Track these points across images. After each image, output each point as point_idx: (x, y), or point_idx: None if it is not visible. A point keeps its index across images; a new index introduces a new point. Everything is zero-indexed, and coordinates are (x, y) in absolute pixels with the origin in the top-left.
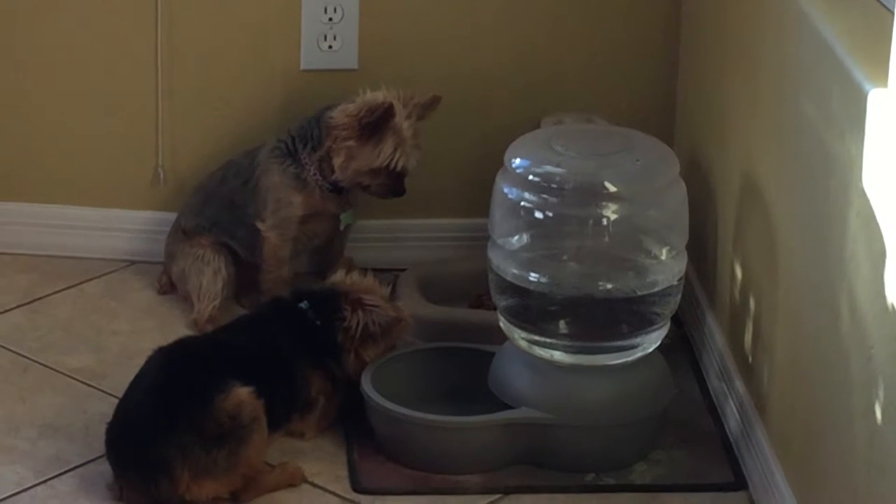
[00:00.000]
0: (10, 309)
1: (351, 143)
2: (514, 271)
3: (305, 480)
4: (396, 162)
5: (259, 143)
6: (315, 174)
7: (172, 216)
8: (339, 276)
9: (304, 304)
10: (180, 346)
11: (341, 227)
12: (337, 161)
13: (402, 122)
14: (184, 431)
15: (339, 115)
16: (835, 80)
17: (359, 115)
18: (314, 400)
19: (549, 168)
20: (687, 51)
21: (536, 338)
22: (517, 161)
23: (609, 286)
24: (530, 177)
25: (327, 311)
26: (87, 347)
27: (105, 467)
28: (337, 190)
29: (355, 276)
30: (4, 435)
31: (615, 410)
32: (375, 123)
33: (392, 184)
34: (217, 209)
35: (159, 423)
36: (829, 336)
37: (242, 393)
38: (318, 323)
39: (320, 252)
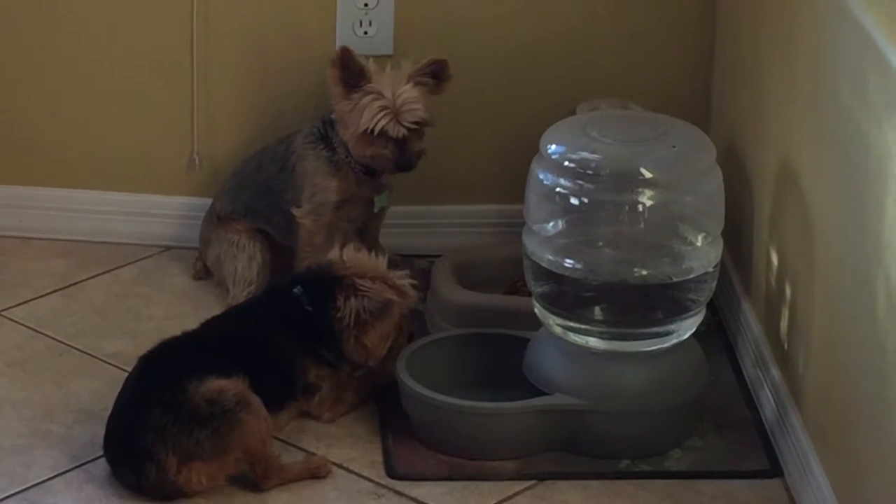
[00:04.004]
0: (46, 294)
1: (340, 106)
2: (550, 257)
3: (339, 466)
4: (377, 124)
5: (294, 129)
6: (347, 156)
7: (207, 202)
8: (334, 255)
9: (297, 290)
10: (159, 347)
11: (375, 210)
12: (340, 131)
13: (387, 83)
14: (158, 416)
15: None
16: (872, 67)
17: (337, 73)
18: (314, 385)
19: (584, 154)
20: (723, 36)
21: (571, 324)
22: (553, 147)
23: (644, 272)
24: (566, 163)
25: (321, 297)
26: (122, 332)
27: None
28: (370, 172)
29: (350, 251)
30: (40, 420)
31: (650, 397)
32: (350, 82)
33: (394, 155)
34: (253, 195)
35: (135, 412)
36: (866, 323)
37: (221, 381)
38: (310, 309)
39: (356, 237)
